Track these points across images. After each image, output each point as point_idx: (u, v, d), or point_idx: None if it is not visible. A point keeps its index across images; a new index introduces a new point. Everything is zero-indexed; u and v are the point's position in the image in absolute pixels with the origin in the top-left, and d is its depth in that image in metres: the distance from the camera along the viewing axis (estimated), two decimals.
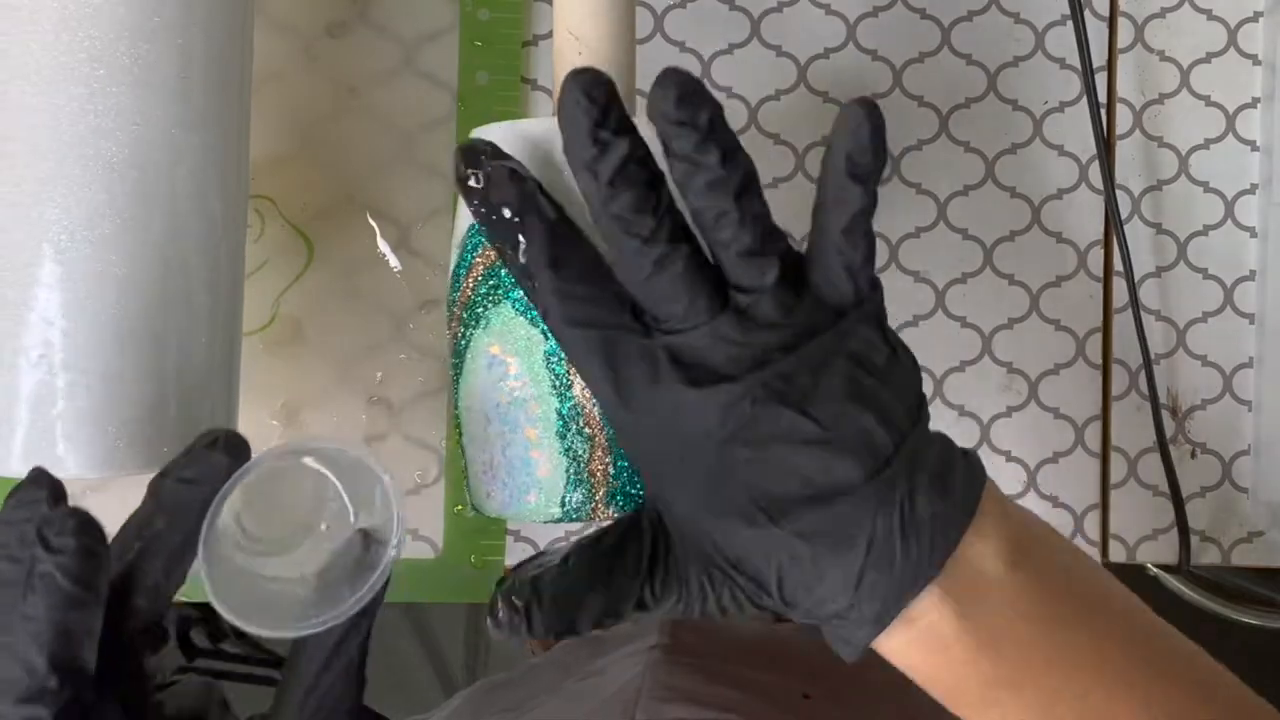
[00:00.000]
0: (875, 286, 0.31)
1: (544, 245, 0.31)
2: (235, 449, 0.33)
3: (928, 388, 0.55)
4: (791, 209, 0.55)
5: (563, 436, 0.37)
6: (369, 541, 0.34)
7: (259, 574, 0.34)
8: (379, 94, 0.53)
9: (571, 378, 0.36)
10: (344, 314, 0.52)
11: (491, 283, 0.36)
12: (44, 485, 0.32)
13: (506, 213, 0.31)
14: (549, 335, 0.36)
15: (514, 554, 0.53)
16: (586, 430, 0.37)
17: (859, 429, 0.29)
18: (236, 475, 0.32)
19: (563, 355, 0.35)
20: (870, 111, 0.29)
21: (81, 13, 0.38)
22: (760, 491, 0.30)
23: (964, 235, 0.55)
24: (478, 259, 0.37)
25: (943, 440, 0.32)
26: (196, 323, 0.40)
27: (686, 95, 0.29)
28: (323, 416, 0.51)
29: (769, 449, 0.30)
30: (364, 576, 0.33)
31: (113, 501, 0.48)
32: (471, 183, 0.31)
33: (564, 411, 0.36)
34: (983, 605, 0.31)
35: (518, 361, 0.36)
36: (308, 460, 0.34)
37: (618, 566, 0.32)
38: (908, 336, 0.55)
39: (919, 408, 0.31)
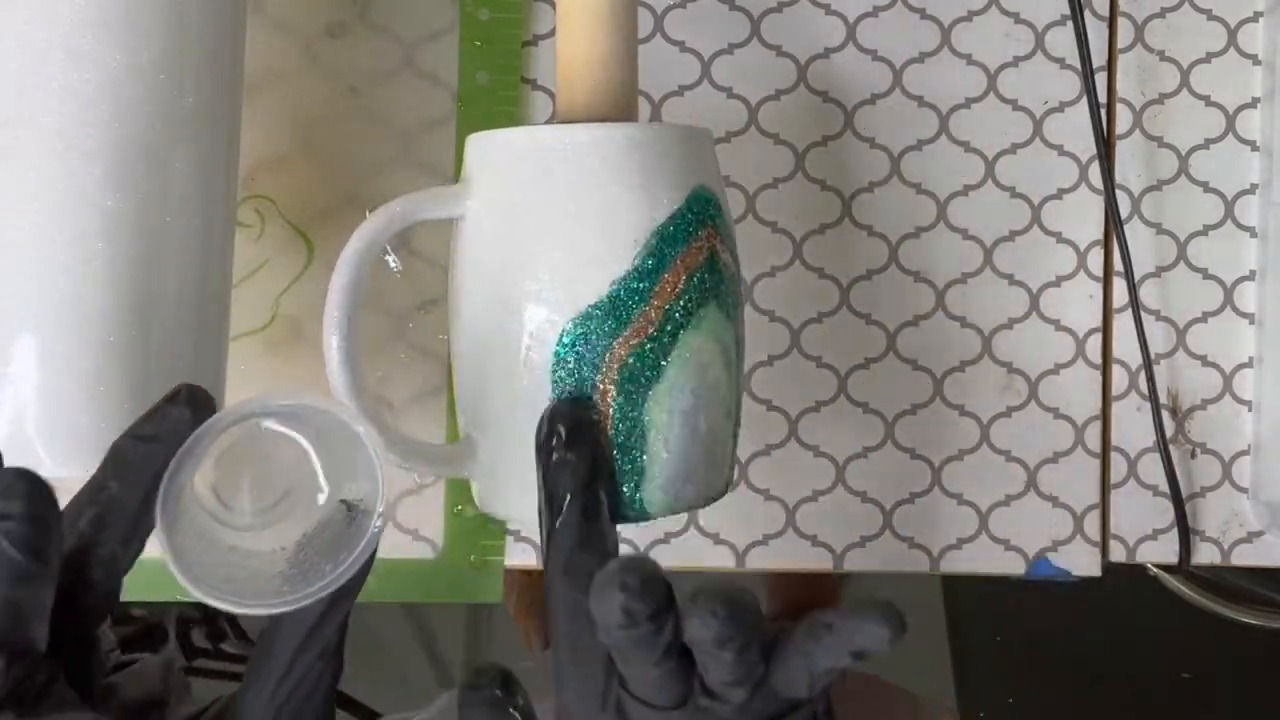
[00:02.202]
0: (825, 691, 0.32)
1: (578, 524, 0.32)
2: (198, 404, 0.30)
3: (926, 389, 0.55)
4: (791, 209, 0.55)
5: (735, 423, 0.39)
6: (353, 513, 0.31)
7: (230, 545, 0.31)
8: (379, 94, 0.53)
9: (741, 367, 0.38)
10: None
11: (698, 281, 0.36)
12: None
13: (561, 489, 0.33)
14: (733, 324, 0.38)
15: (514, 554, 0.53)
16: (740, 415, 0.39)
17: None
18: (199, 432, 0.29)
19: (739, 343, 0.38)
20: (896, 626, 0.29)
21: (67, 15, 0.38)
22: None
23: (964, 235, 0.55)
24: (680, 261, 0.36)
25: None
26: (182, 326, 0.40)
27: (732, 619, 0.29)
28: None
29: None
30: (346, 550, 0.29)
31: None
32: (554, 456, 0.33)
33: (737, 399, 0.38)
34: None
35: (724, 357, 0.37)
36: (275, 424, 0.31)
37: None
38: (907, 337, 0.55)
39: None
